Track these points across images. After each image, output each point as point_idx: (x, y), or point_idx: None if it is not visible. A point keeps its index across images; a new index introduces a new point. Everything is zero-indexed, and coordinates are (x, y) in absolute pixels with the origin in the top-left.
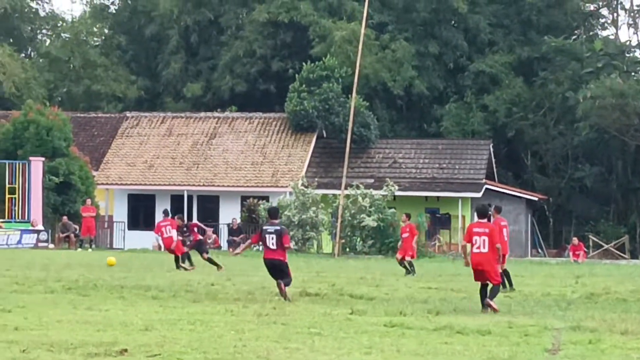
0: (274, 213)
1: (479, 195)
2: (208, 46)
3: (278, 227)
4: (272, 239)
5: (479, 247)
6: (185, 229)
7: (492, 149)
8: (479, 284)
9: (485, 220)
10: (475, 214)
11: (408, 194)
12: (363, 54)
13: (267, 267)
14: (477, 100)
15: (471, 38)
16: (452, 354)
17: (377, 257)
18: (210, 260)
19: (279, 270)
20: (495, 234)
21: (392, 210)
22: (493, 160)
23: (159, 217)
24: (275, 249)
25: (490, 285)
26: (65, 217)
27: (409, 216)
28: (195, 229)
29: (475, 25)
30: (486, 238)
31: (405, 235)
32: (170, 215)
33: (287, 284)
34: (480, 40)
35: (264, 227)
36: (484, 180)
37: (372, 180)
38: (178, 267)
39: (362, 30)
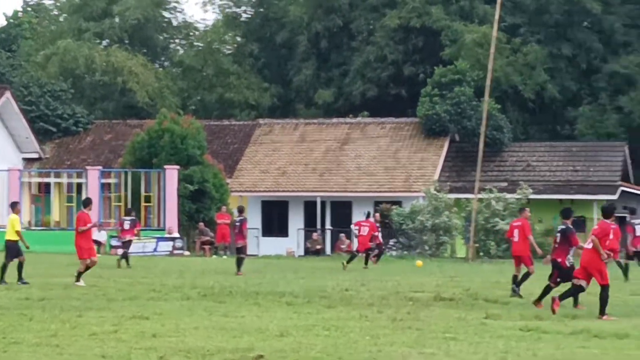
0: (565, 213)
1: (615, 197)
2: (339, 52)
3: (564, 227)
4: (558, 237)
5: (588, 244)
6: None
7: (627, 151)
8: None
9: (607, 220)
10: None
11: (542, 197)
12: (494, 57)
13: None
14: (611, 102)
15: (605, 39)
16: (590, 358)
17: (511, 261)
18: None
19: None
20: (597, 232)
21: None
22: (629, 162)
23: (292, 223)
24: (556, 248)
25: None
26: (201, 224)
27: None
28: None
29: (609, 26)
30: (594, 237)
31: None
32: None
33: (546, 289)
34: (615, 41)
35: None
36: (619, 182)
37: (505, 184)
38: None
39: (494, 34)
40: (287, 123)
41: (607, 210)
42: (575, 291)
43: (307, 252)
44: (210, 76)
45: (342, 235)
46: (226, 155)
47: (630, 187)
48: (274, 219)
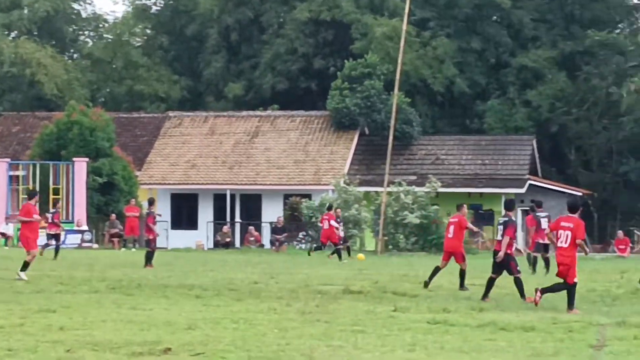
0: (508, 205)
1: (523, 191)
2: (249, 45)
3: (506, 219)
4: (500, 230)
5: (561, 242)
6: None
7: (535, 145)
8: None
9: (574, 215)
10: (567, 208)
11: (451, 190)
12: (404, 51)
13: (493, 258)
14: (520, 95)
15: (514, 33)
16: (496, 350)
17: (420, 254)
18: None
19: (499, 262)
20: (580, 230)
21: (435, 207)
22: (536, 155)
23: (202, 216)
24: (500, 240)
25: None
26: (113, 215)
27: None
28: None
29: (518, 21)
30: (569, 233)
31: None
32: (331, 209)
33: (518, 287)
34: (523, 35)
35: (499, 219)
36: (527, 176)
37: (414, 177)
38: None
39: (404, 27)
40: (197, 116)
41: (573, 205)
42: (559, 288)
43: (217, 245)
44: (120, 68)
45: (252, 227)
46: (135, 147)
47: (537, 181)
48: (184, 212)
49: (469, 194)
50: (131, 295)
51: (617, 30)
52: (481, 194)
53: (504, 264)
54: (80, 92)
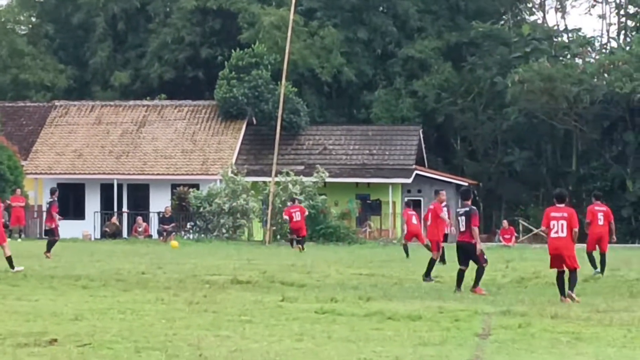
0: (465, 194)
1: (409, 181)
2: (136, 34)
3: (467, 209)
4: (462, 220)
5: (557, 232)
6: None
7: (421, 135)
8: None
9: (563, 205)
10: (555, 198)
11: (338, 180)
12: (292, 41)
13: (457, 250)
14: (406, 86)
15: (400, 24)
16: (384, 339)
17: (308, 244)
18: None
19: (466, 254)
20: (574, 218)
21: (323, 197)
22: (423, 146)
23: (89, 206)
24: (464, 231)
25: (567, 272)
26: (1, 205)
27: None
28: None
29: (404, 11)
30: (564, 222)
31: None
32: (296, 202)
33: (478, 275)
34: (409, 26)
35: (457, 210)
36: (414, 166)
37: (302, 167)
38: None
39: (291, 16)
40: (84, 105)
41: (561, 195)
42: (574, 278)
43: (104, 235)
44: (5, 57)
45: (139, 218)
46: (21, 137)
47: (424, 171)
48: (70, 202)
49: (357, 184)
50: (16, 286)
51: (502, 22)
52: (369, 184)
53: (470, 255)
54: None
